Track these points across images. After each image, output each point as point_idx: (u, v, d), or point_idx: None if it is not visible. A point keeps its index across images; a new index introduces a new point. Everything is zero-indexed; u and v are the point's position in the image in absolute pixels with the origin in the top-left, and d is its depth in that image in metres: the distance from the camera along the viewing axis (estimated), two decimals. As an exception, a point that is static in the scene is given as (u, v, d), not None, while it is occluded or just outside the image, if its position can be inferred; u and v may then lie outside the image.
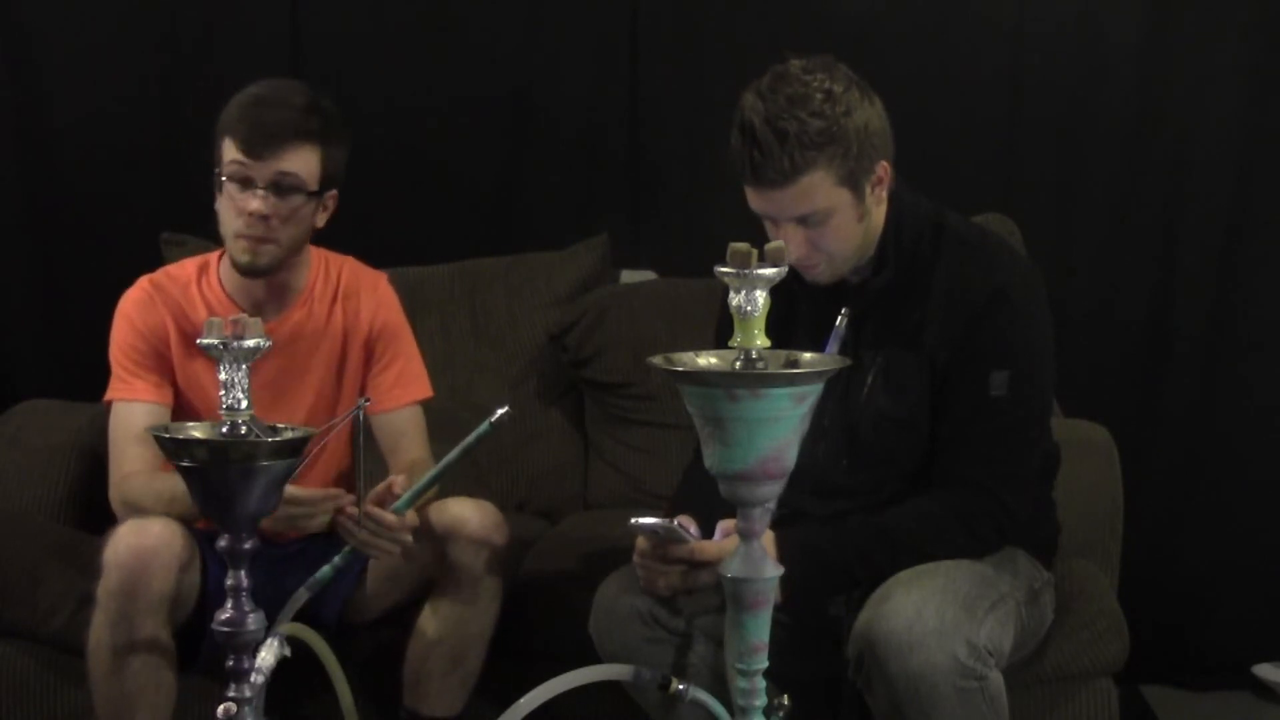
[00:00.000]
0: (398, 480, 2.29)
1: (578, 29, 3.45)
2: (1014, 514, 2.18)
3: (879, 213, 2.18)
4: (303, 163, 2.39)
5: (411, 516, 2.27)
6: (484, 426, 2.02)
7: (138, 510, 2.37)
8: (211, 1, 3.50)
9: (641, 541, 2.12)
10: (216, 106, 2.43)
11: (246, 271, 2.43)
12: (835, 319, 2.17)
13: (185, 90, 3.46)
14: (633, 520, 2.08)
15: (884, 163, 2.13)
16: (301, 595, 2.05)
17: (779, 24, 3.30)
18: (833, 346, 2.12)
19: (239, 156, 2.37)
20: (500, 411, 2.01)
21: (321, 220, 2.48)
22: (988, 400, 2.13)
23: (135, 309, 2.50)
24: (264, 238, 2.39)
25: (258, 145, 2.36)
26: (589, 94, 3.47)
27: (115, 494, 2.45)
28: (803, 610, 2.12)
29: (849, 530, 2.14)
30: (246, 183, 2.37)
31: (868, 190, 2.13)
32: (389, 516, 2.25)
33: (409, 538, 2.29)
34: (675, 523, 2.07)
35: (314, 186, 2.41)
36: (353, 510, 2.26)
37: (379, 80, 3.45)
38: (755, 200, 2.12)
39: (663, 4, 3.45)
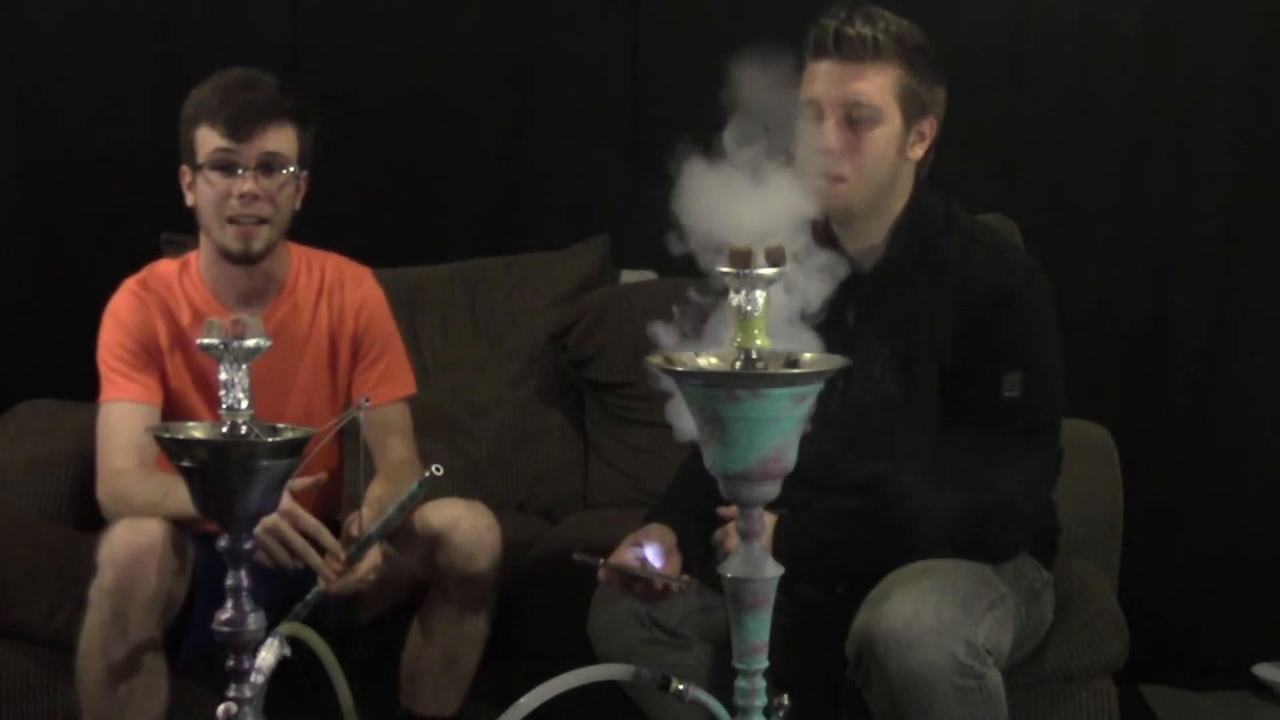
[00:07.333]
0: (365, 515, 2.28)
1: (578, 27, 3.45)
2: (1027, 520, 2.18)
3: (905, 180, 2.21)
4: (285, 141, 2.39)
5: (375, 555, 2.27)
6: (415, 486, 2.03)
7: (128, 506, 2.33)
8: (211, 1, 3.50)
9: (602, 574, 2.15)
10: (217, 105, 2.42)
11: (241, 258, 2.41)
12: (844, 312, 2.18)
13: (185, 90, 3.44)
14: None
15: (932, 119, 2.20)
16: (300, 611, 2.06)
17: (780, 22, 3.28)
18: None
19: (223, 143, 2.36)
20: (428, 473, 2.04)
21: (298, 203, 2.46)
22: (1001, 402, 2.13)
23: (125, 310, 2.48)
24: (260, 219, 2.38)
25: (243, 127, 2.36)
26: (589, 93, 3.46)
27: (105, 490, 2.41)
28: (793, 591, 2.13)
29: (849, 514, 2.16)
30: (230, 168, 2.36)
31: (913, 133, 2.18)
32: (358, 571, 2.25)
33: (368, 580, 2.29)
34: (635, 550, 2.13)
35: (295, 165, 2.41)
36: (336, 568, 2.25)
37: (379, 81, 3.45)
38: (818, 80, 2.17)
39: (663, 2, 3.45)
